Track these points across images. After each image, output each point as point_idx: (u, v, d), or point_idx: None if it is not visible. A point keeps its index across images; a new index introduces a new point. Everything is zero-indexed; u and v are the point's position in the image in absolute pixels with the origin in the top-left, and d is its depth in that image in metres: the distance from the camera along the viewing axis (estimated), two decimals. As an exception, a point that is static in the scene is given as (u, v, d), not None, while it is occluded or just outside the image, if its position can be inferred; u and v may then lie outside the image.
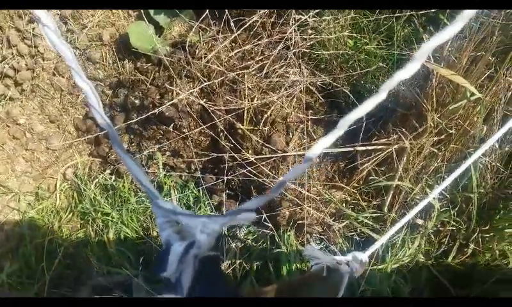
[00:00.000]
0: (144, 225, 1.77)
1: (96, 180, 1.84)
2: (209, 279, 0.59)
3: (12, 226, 1.87)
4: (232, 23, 1.51)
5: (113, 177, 1.82)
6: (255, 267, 1.59)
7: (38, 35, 1.79)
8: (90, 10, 1.72)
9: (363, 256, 0.92)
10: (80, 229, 1.85)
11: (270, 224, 1.54)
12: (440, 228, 1.44)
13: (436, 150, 1.39)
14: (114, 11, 1.77)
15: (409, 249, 1.43)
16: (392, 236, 1.46)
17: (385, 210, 1.49)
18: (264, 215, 1.53)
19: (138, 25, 1.66)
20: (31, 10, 0.54)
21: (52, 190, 1.92)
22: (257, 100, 1.51)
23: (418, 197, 1.41)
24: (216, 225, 0.52)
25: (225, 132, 1.58)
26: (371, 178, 1.50)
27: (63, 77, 1.82)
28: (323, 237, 1.55)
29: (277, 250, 1.55)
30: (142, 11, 1.66)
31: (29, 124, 1.90)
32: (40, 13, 0.52)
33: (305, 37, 1.48)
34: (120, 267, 1.71)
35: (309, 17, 1.43)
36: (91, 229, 1.81)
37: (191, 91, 1.56)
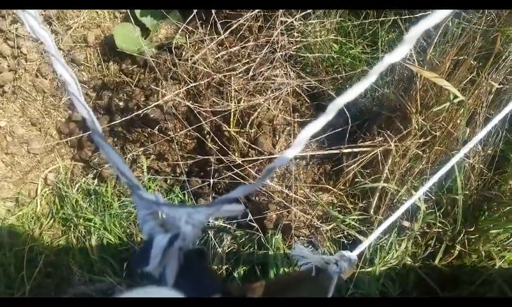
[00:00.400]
0: (128, 231, 1.73)
1: (79, 184, 1.80)
2: (195, 274, 0.56)
3: (-10, 233, 1.81)
4: (219, 26, 1.51)
5: (96, 181, 1.79)
6: (242, 271, 1.56)
7: (21, 36, 1.76)
8: (75, 11, 1.70)
9: (352, 255, 0.91)
10: (61, 236, 1.80)
11: (257, 226, 1.52)
12: (426, 230, 1.45)
13: (420, 152, 1.40)
14: (99, 12, 1.75)
15: (396, 251, 1.43)
16: (379, 238, 1.46)
17: (371, 212, 1.49)
18: (251, 218, 1.51)
19: (124, 26, 1.64)
20: None
21: (33, 196, 1.86)
22: (244, 102, 1.50)
23: (404, 198, 1.41)
24: (202, 215, 0.50)
25: (211, 134, 1.56)
26: (357, 180, 1.51)
27: (45, 78, 1.79)
28: (310, 240, 1.54)
29: (264, 253, 1.53)
30: (129, 12, 1.64)
31: (9, 127, 1.85)
32: None
33: (292, 40, 1.48)
34: (103, 274, 1.66)
35: (295, 20, 1.44)
36: (73, 235, 1.76)
37: (176, 92, 1.55)
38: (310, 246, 1.57)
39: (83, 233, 1.74)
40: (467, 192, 1.39)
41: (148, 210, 0.52)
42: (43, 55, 1.80)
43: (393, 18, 1.42)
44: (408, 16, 1.43)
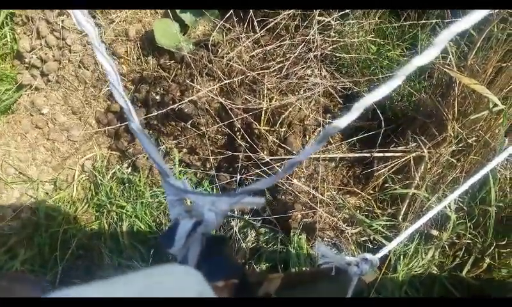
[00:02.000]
0: (157, 220, 1.78)
1: (113, 172, 1.87)
2: (216, 257, 0.59)
3: (29, 214, 1.90)
4: (256, 24, 1.53)
5: (130, 171, 1.85)
6: (264, 267, 1.58)
7: (67, 28, 1.85)
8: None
9: (374, 258, 0.90)
10: (95, 221, 1.88)
11: (280, 224, 1.53)
12: (456, 240, 1.41)
13: (455, 161, 1.37)
14: (141, 6, 1.81)
15: (422, 259, 1.40)
16: (405, 245, 1.43)
17: (400, 218, 1.46)
18: (274, 216, 1.52)
19: (164, 22, 1.70)
20: None
21: (70, 181, 1.95)
22: (276, 101, 1.51)
23: (434, 207, 1.38)
24: (225, 204, 0.52)
25: (242, 131, 1.58)
26: (387, 185, 1.48)
27: (87, 69, 1.87)
28: (335, 242, 1.53)
29: (287, 252, 1.54)
30: (169, 9, 1.69)
31: (52, 114, 1.95)
32: None
33: (328, 40, 1.48)
34: (131, 260, 1.72)
35: (333, 20, 1.44)
36: (105, 221, 1.83)
37: (210, 88, 1.58)
38: (334, 248, 1.56)
39: (115, 219, 1.81)
40: (501, 204, 1.34)
41: (176, 196, 0.55)
42: (86, 47, 1.88)
43: (434, 20, 1.38)
44: (450, 20, 1.39)
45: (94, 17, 1.83)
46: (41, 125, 1.95)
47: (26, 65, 1.98)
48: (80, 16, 0.54)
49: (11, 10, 2.01)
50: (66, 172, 1.97)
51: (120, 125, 1.82)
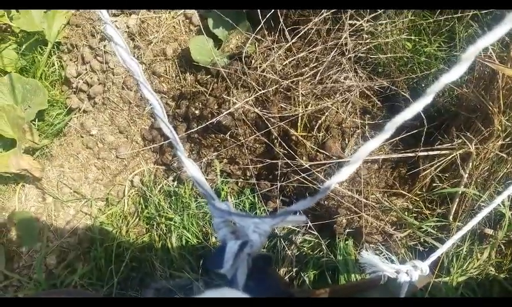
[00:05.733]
0: (204, 230, 1.83)
1: (160, 186, 1.94)
2: (262, 276, 0.61)
3: (84, 230, 2.02)
4: (287, 33, 1.54)
5: (175, 183, 1.92)
6: (312, 275, 1.57)
7: (109, 52, 1.95)
8: (155, 26, 1.85)
9: (423, 265, 0.88)
10: (145, 233, 1.96)
11: (323, 231, 1.52)
12: (513, 239, 1.34)
13: (505, 155, 1.30)
14: (176, 26, 1.88)
15: (477, 260, 1.34)
16: (458, 247, 1.38)
17: (451, 218, 1.41)
18: (317, 223, 1.52)
19: (198, 39, 1.75)
20: (105, 30, 0.61)
21: (121, 196, 2.05)
22: (311, 106, 1.51)
23: (486, 204, 1.32)
24: (267, 226, 0.55)
25: (279, 139, 1.60)
26: (435, 184, 1.44)
27: (131, 90, 1.96)
28: (384, 246, 1.50)
29: (334, 259, 1.53)
30: (201, 25, 1.74)
31: (100, 135, 2.06)
32: (112, 33, 0.58)
33: (361, 42, 1.46)
34: (182, 270, 1.78)
35: (364, 22, 1.41)
36: (155, 233, 1.91)
37: (246, 100, 1.61)
38: (383, 253, 1.53)
39: (164, 231, 1.88)
40: None
41: (221, 218, 0.58)
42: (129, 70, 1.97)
43: (472, 12, 1.32)
44: (489, 10, 1.33)
45: (133, 40, 1.92)
46: (91, 145, 2.07)
47: (74, 90, 2.11)
48: (124, 54, 0.58)
49: (57, 40, 2.14)
50: (116, 188, 2.07)
51: (164, 141, 1.90)
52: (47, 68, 2.19)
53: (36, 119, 2.11)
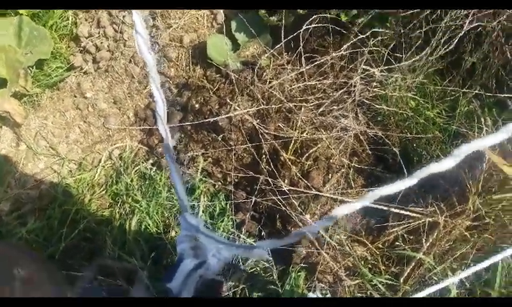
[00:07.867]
0: (167, 221, 1.80)
1: (138, 167, 1.91)
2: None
3: (48, 186, 1.96)
4: (303, 58, 1.59)
5: (154, 169, 1.89)
6: (256, 296, 1.55)
7: (127, 23, 1.97)
8: (178, 12, 1.88)
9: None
10: (107, 208, 1.91)
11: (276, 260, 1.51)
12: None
13: (468, 235, 1.35)
14: (199, 18, 1.92)
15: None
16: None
17: (401, 280, 1.43)
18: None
19: (217, 37, 1.79)
20: (132, 13, 0.59)
21: (95, 165, 2.00)
22: (307, 134, 1.54)
23: (437, 277, 1.36)
24: (228, 254, 0.56)
25: (267, 156, 1.61)
26: (397, 243, 1.47)
27: (137, 66, 1.97)
28: (331, 290, 1.51)
29: (282, 287, 1.52)
30: (224, 25, 1.79)
31: (94, 99, 2.04)
32: (137, 21, 0.57)
33: (369, 88, 1.52)
34: (131, 255, 1.72)
35: (378, 70, 1.48)
36: (117, 211, 1.86)
37: (248, 109, 1.63)
38: (329, 295, 1.53)
39: (127, 211, 1.83)
40: (504, 291, 1.30)
41: (188, 231, 0.58)
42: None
43: (477, 91, 1.40)
44: (493, 94, 1.41)
45: (154, 19, 1.95)
46: (81, 107, 2.04)
47: (81, 49, 2.10)
48: (143, 45, 0.57)
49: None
50: (93, 155, 2.03)
51: (155, 125, 1.89)
52: (60, 21, 2.18)
53: (34, 67, 2.07)
